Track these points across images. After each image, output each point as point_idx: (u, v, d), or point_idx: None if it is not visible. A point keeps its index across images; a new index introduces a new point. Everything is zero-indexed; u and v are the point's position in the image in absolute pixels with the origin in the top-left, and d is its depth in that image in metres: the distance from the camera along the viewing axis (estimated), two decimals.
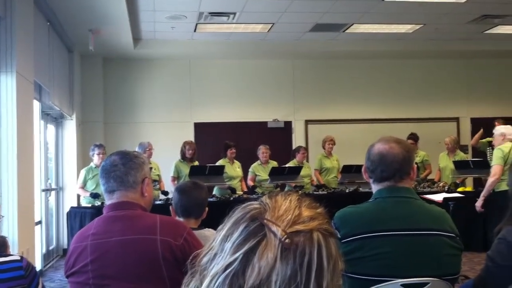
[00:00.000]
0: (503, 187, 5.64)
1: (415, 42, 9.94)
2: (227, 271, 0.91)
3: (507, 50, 10.32)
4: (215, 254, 0.94)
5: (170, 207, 2.92)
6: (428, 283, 2.20)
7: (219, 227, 0.99)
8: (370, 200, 2.40)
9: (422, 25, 8.99)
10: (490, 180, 6.03)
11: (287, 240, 0.90)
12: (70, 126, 9.01)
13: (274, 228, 0.91)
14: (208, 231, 2.75)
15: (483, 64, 10.95)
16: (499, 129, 6.22)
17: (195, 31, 8.99)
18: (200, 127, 10.39)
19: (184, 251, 2.03)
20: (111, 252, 2.04)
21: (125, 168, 2.16)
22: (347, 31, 9.17)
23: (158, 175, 7.98)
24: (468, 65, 10.95)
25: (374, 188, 2.42)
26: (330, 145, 8.92)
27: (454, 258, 2.31)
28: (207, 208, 2.88)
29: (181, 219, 2.77)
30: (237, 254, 0.91)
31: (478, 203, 6.18)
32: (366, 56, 10.49)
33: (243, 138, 9.86)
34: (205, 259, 0.96)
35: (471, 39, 9.94)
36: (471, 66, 10.96)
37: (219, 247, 0.95)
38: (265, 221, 0.93)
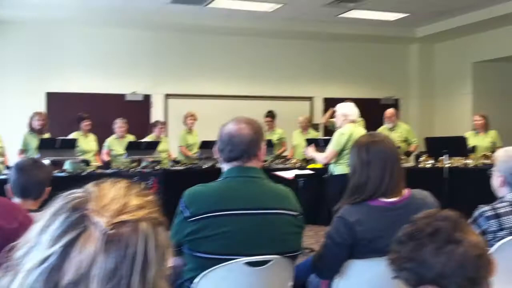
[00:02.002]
0: (340, 170, 5.64)
1: (275, 21, 10.16)
2: (43, 265, 0.84)
3: (359, 34, 10.93)
4: (32, 247, 0.87)
5: (6, 186, 2.70)
6: (271, 260, 2.28)
7: (38, 217, 0.91)
8: (220, 179, 2.42)
9: (282, 5, 9.21)
10: (320, 157, 6.03)
11: (110, 231, 0.85)
12: None
13: (96, 218, 0.86)
14: None
15: (337, 46, 11.51)
16: (341, 108, 5.96)
17: None
18: (52, 97, 9.80)
19: (20, 236, 1.89)
20: None
21: None
22: (209, 5, 9.12)
23: (2, 148, 7.40)
24: (323, 46, 11.43)
25: (224, 167, 2.44)
26: (191, 121, 8.88)
27: (296, 236, 2.40)
28: (48, 188, 2.71)
29: (17, 200, 2.58)
30: (54, 248, 0.84)
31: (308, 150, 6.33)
32: (228, 32, 10.53)
33: (99, 111, 9.47)
34: (20, 253, 0.88)
35: (326, 22, 10.38)
36: (325, 47, 11.46)
37: (36, 239, 0.87)
38: (87, 211, 0.87)
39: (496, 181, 2.82)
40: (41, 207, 2.66)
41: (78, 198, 0.89)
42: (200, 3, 9.02)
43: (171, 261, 0.93)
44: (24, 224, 1.94)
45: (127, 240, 0.86)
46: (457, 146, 7.22)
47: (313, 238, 6.71)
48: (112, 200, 0.90)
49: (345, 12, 9.76)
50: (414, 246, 1.11)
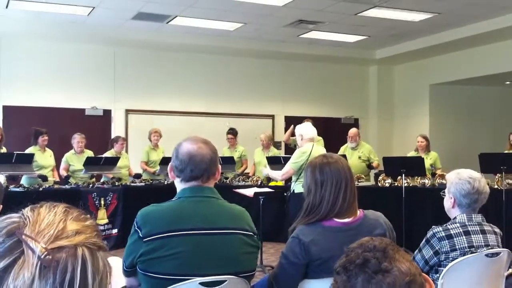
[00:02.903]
0: (301, 188, 5.56)
1: (237, 40, 10.22)
2: None
3: (320, 55, 11.08)
4: None
5: None
6: (226, 280, 2.26)
7: None
8: (174, 199, 2.39)
9: (243, 24, 9.28)
10: (276, 174, 6.32)
11: (47, 257, 0.83)
12: None
13: (32, 244, 0.84)
14: None
15: (298, 65, 11.63)
16: (299, 128, 6.15)
17: (7, 7, 8.25)
18: (9, 111, 9.58)
19: None
20: None
21: None
22: (171, 22, 9.12)
23: None
24: (284, 65, 11.54)
25: (179, 187, 2.40)
26: (156, 137, 8.83)
27: (250, 256, 2.39)
28: (0, 206, 2.63)
29: None
30: None
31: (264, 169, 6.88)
32: (189, 50, 10.53)
33: (58, 125, 9.33)
34: None
35: (287, 42, 10.50)
36: (286, 67, 11.57)
37: None
38: (23, 236, 0.85)
39: (447, 202, 2.88)
40: None
41: (14, 223, 0.87)
42: (161, 20, 9.01)
43: (110, 287, 0.91)
44: None
45: (64, 266, 0.84)
46: (415, 166, 7.34)
47: (274, 255, 6.71)
48: (49, 225, 0.88)
49: (305, 33, 9.89)
50: (347, 277, 1.13)
